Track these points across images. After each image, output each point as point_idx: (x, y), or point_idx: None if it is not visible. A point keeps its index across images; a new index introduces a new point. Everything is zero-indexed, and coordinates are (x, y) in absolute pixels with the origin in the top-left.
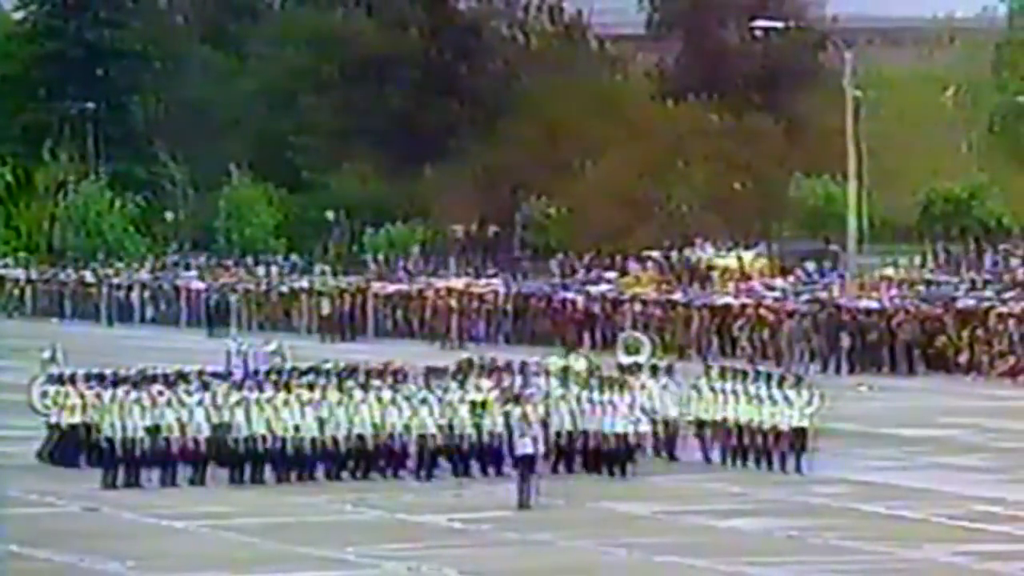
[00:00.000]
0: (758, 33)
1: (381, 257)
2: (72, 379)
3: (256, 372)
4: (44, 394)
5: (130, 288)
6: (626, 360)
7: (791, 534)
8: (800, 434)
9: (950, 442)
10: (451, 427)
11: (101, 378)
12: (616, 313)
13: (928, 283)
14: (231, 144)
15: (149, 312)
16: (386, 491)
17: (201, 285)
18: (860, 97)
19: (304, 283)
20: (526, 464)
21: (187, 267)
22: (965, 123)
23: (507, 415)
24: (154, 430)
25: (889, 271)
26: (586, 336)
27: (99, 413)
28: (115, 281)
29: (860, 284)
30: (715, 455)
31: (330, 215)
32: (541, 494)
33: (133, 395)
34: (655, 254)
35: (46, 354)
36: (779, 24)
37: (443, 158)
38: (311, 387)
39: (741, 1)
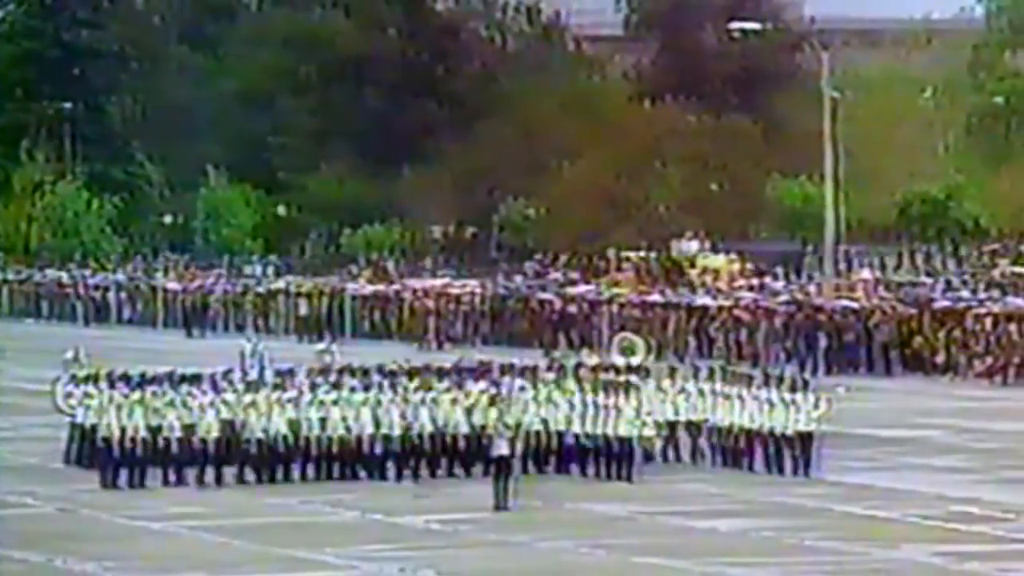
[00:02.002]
0: (735, 34)
1: (361, 258)
2: (95, 379)
3: (278, 372)
4: (68, 395)
5: (106, 289)
6: (621, 362)
7: (769, 535)
8: (807, 439)
9: (927, 443)
10: (483, 427)
11: (127, 379)
12: (594, 314)
13: (905, 284)
14: (208, 145)
15: (126, 313)
16: (364, 492)
17: (178, 286)
18: (837, 98)
19: (281, 284)
20: (502, 465)
21: (162, 269)
22: (942, 124)
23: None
24: (156, 430)
25: (865, 272)
26: (562, 337)
27: (98, 413)
28: (91, 282)
29: (837, 285)
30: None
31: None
32: (518, 495)
33: (136, 395)
34: (633, 255)
35: (69, 354)
36: (756, 25)
37: (421, 159)
38: (337, 386)
39: (718, 2)
